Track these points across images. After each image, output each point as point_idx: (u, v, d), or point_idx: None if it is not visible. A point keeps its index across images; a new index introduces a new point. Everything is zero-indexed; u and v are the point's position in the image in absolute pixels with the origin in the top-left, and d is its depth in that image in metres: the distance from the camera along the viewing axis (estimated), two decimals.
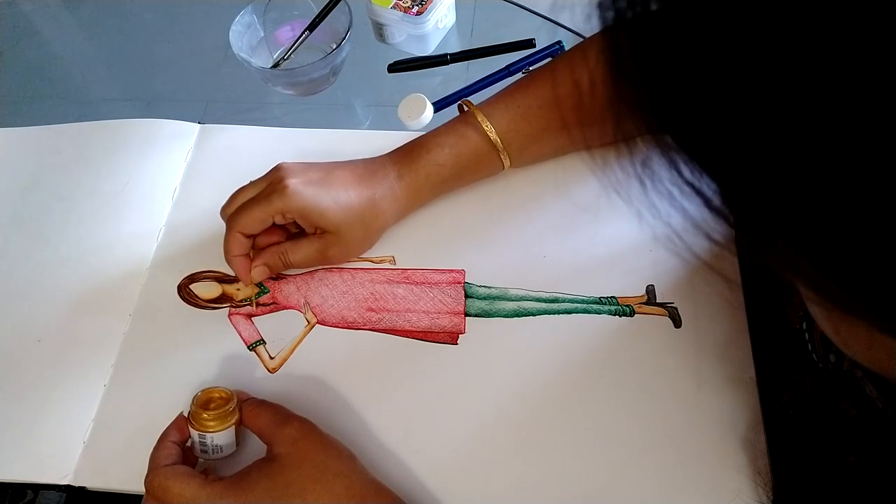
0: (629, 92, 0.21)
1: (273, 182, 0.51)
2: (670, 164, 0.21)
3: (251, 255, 0.53)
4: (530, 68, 0.65)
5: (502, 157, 0.55)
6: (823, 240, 0.19)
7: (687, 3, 0.18)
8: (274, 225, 0.52)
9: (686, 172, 0.21)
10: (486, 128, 0.54)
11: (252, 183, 0.53)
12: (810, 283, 0.22)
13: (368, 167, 0.54)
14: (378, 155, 0.56)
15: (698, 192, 0.21)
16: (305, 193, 0.50)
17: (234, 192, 0.53)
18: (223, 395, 0.46)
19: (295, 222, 0.52)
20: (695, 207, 0.22)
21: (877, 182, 0.17)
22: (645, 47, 0.20)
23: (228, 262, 0.52)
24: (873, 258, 0.18)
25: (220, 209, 0.53)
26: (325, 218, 0.51)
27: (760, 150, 0.18)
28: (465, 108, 0.56)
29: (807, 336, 0.43)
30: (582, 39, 0.62)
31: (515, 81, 0.57)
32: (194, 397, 0.46)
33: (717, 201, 0.21)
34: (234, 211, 0.51)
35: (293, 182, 0.50)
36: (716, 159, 0.20)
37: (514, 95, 0.56)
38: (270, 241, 0.53)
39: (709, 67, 0.18)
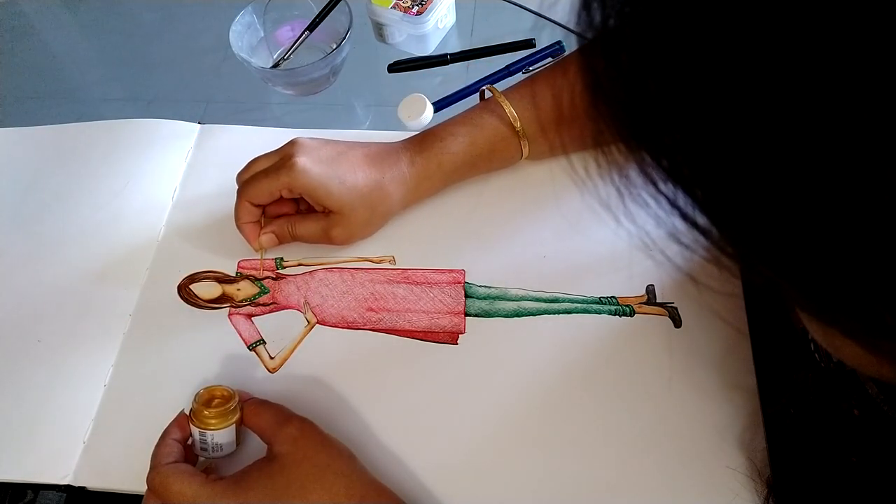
0: (606, 113, 0.21)
1: (284, 157, 0.52)
2: (646, 177, 0.21)
3: (262, 223, 0.55)
4: (531, 68, 0.65)
5: (522, 143, 0.56)
6: (802, 264, 0.19)
7: (662, 23, 0.18)
8: (285, 198, 0.54)
9: (661, 185, 0.21)
10: (509, 112, 0.54)
11: (267, 154, 0.54)
12: (792, 300, 0.22)
13: (382, 150, 0.55)
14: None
15: (673, 205, 0.21)
16: (312, 172, 0.51)
17: (251, 160, 0.55)
18: (225, 393, 0.46)
19: (304, 207, 0.54)
20: (670, 217, 0.22)
21: (852, 205, 0.17)
22: (619, 70, 0.20)
23: (239, 228, 0.54)
24: (854, 281, 0.18)
25: (236, 174, 0.55)
26: (331, 198, 0.51)
27: (736, 168, 0.18)
28: (486, 95, 0.57)
29: (809, 336, 0.43)
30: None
31: (533, 74, 0.58)
32: (196, 395, 0.46)
33: (691, 213, 0.21)
34: (245, 181, 0.53)
35: (302, 160, 0.51)
36: (692, 179, 0.20)
37: (535, 85, 0.56)
38: (281, 211, 0.55)
39: (683, 87, 0.18)
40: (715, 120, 0.18)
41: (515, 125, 0.54)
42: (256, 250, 0.56)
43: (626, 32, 0.19)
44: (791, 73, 0.16)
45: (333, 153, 0.53)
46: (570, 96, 0.54)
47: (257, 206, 0.54)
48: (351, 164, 0.53)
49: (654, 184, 0.21)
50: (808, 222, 0.18)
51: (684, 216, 0.21)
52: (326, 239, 0.55)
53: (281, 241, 0.55)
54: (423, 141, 0.55)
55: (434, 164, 0.55)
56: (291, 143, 0.53)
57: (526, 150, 0.56)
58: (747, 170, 0.18)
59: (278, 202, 0.54)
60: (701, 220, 0.21)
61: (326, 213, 0.54)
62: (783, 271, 0.20)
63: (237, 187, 0.54)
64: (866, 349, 0.23)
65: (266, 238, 0.55)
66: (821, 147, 0.16)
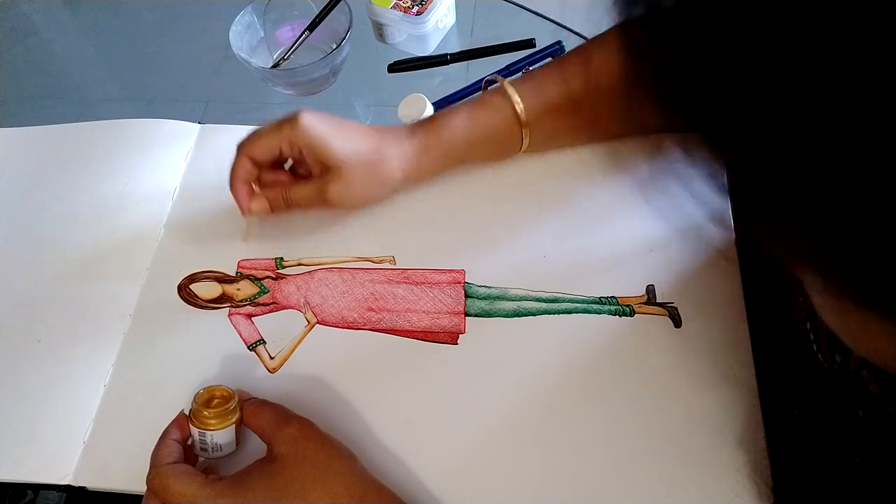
0: (648, 81, 0.21)
1: (289, 116, 0.52)
2: (680, 173, 0.21)
3: (256, 190, 0.54)
4: (530, 68, 0.65)
5: (524, 133, 0.55)
6: (838, 220, 0.19)
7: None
8: (283, 168, 0.54)
9: (696, 184, 0.21)
10: (514, 100, 0.54)
11: (271, 121, 0.53)
12: (823, 273, 0.21)
13: (384, 126, 0.55)
14: None
15: (704, 203, 0.21)
16: (316, 127, 0.51)
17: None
18: (225, 393, 0.46)
19: (302, 172, 0.54)
20: (701, 213, 0.22)
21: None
22: (663, 37, 0.20)
23: (232, 186, 0.53)
24: (888, 240, 0.18)
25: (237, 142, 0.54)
26: (331, 150, 0.51)
27: (777, 127, 0.18)
28: (488, 86, 0.57)
29: (811, 336, 0.43)
30: (583, 40, 0.62)
31: (541, 66, 0.58)
32: (196, 395, 0.46)
33: (722, 209, 0.21)
34: (246, 137, 0.53)
35: (307, 116, 0.51)
36: (733, 142, 0.20)
37: (540, 77, 0.56)
38: (277, 178, 0.55)
39: (725, 53, 0.19)
40: (761, 76, 0.18)
41: (518, 109, 0.54)
42: (245, 216, 0.54)
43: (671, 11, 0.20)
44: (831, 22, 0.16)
45: (337, 119, 0.53)
46: (581, 84, 0.54)
47: (256, 164, 0.53)
48: (353, 128, 0.53)
49: (692, 161, 0.21)
50: (849, 171, 0.18)
51: (713, 212, 0.21)
52: (322, 200, 0.53)
53: (274, 207, 0.54)
54: (426, 120, 0.56)
55: (434, 137, 0.55)
56: (296, 110, 0.53)
57: (526, 141, 0.56)
58: (790, 119, 0.18)
59: (274, 172, 0.54)
60: (726, 216, 0.21)
61: (323, 175, 0.53)
62: (818, 231, 0.20)
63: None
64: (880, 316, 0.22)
65: (257, 203, 0.54)
66: (862, 93, 0.16)
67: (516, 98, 0.54)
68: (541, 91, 0.55)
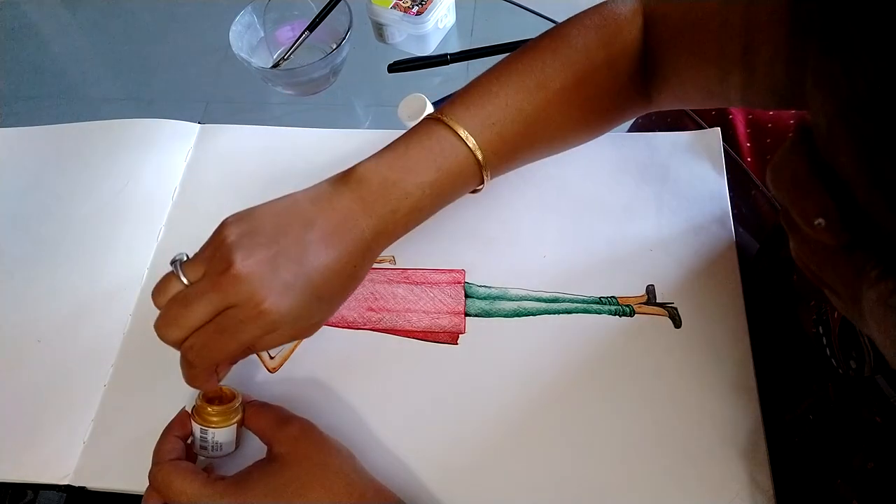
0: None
1: (232, 294, 0.39)
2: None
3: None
4: None
5: (484, 175, 0.48)
6: None
7: None
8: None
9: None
10: (469, 145, 0.46)
11: (192, 261, 0.42)
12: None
13: (331, 220, 0.43)
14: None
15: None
16: (287, 312, 0.40)
17: (160, 282, 0.42)
18: (228, 392, 0.46)
19: None
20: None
21: None
22: None
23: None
24: None
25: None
26: (318, 328, 0.44)
27: None
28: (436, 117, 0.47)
29: (824, 341, 0.43)
30: None
31: (475, 80, 0.49)
32: (199, 392, 0.46)
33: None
34: (186, 343, 0.41)
35: (270, 301, 0.39)
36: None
37: (484, 99, 0.47)
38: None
39: None
40: None
41: (478, 157, 0.46)
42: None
43: None
44: None
45: (285, 256, 0.40)
46: (535, 91, 0.47)
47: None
48: (315, 265, 0.41)
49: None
50: None
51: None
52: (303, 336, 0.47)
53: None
54: (384, 195, 0.44)
55: (402, 228, 0.46)
56: (222, 258, 0.40)
57: (488, 180, 0.48)
58: None
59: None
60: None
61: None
62: None
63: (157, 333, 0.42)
64: None
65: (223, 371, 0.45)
66: None
67: (471, 142, 0.46)
68: (484, 121, 0.47)
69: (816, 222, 0.23)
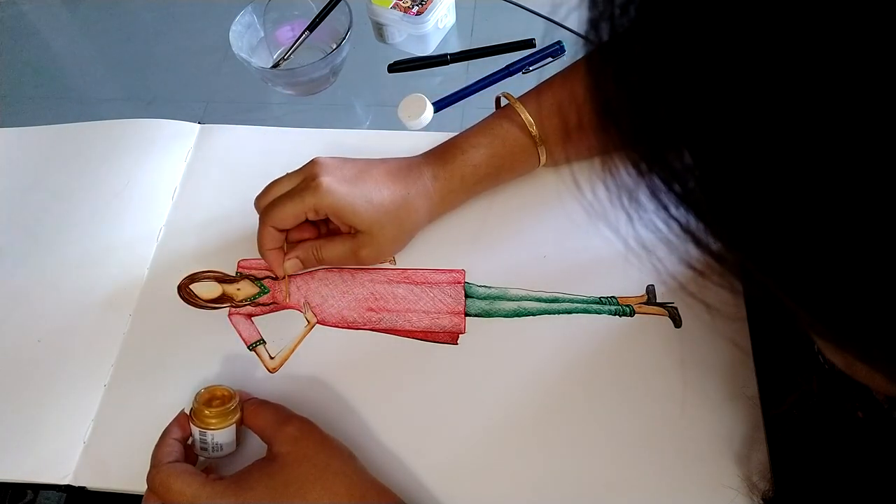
0: (616, 136, 0.20)
1: (307, 178, 0.51)
2: (658, 201, 0.21)
3: (285, 248, 0.54)
4: (530, 68, 0.65)
5: (540, 151, 0.55)
6: (820, 291, 0.19)
7: (673, 44, 0.18)
8: (307, 221, 0.52)
9: (673, 210, 0.20)
10: (525, 119, 0.53)
11: (287, 175, 0.53)
12: (805, 324, 0.21)
13: (403, 166, 0.54)
14: (406, 156, 0.55)
15: (685, 230, 0.21)
16: (339, 191, 0.50)
17: (270, 182, 0.53)
18: (226, 393, 0.46)
19: (327, 219, 0.52)
20: (681, 242, 0.21)
21: (871, 234, 0.16)
22: (630, 93, 0.20)
23: (262, 255, 0.53)
24: (870, 308, 0.18)
25: (254, 199, 0.53)
26: (358, 217, 0.51)
27: (750, 193, 0.18)
28: (502, 102, 0.56)
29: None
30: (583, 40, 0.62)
31: (550, 78, 0.57)
32: (197, 394, 0.46)
33: (704, 238, 0.21)
34: (267, 205, 0.51)
35: (327, 179, 0.50)
36: (704, 203, 0.19)
37: (548, 90, 0.55)
38: (303, 236, 0.54)
39: (694, 110, 0.18)
40: (728, 143, 0.18)
41: (532, 132, 0.54)
42: (281, 278, 0.55)
43: (637, 53, 0.19)
44: (804, 95, 0.16)
45: (356, 171, 0.52)
46: (583, 105, 0.53)
47: (281, 230, 0.52)
48: (375, 182, 0.52)
49: (666, 208, 0.20)
50: (827, 248, 0.17)
51: (697, 241, 0.20)
52: (354, 260, 0.54)
53: (306, 265, 0.54)
54: (445, 154, 0.54)
55: (457, 177, 0.54)
56: (312, 164, 0.52)
57: (543, 158, 0.55)
58: (762, 195, 0.18)
59: (300, 228, 0.53)
60: (714, 245, 0.20)
61: (353, 233, 0.53)
62: (798, 297, 0.19)
63: (258, 214, 0.52)
64: (883, 374, 0.22)
65: (291, 264, 0.53)
66: (840, 175, 0.16)
67: (529, 119, 0.53)
68: (552, 107, 0.54)
69: None
